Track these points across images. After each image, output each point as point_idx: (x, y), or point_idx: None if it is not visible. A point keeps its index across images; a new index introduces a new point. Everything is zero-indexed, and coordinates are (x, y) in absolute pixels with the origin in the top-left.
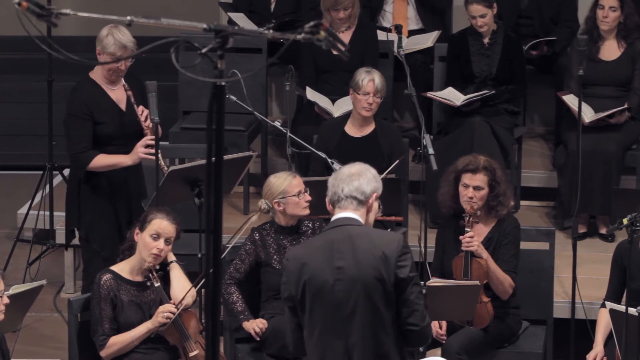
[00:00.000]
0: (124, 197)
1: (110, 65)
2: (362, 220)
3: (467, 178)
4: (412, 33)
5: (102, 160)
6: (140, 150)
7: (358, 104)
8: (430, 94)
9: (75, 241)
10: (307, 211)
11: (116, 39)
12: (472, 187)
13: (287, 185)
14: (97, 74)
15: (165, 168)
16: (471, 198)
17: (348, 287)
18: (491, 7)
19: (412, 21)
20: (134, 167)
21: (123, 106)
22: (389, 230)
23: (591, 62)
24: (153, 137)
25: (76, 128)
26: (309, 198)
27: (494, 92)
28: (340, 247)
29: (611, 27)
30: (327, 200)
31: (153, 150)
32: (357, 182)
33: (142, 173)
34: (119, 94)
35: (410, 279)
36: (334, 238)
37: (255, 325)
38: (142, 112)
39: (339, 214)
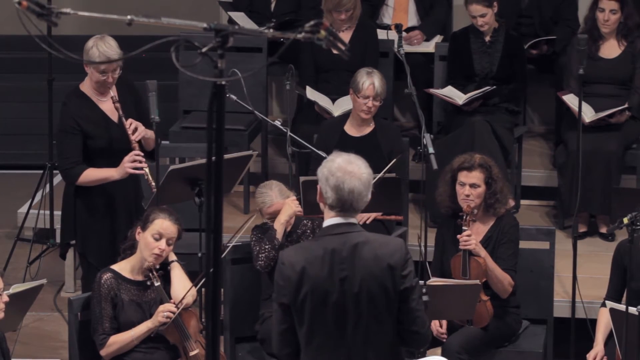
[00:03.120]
0: (121, 211)
1: (97, 78)
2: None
3: (463, 176)
4: (410, 30)
5: (90, 175)
6: (128, 165)
7: (357, 106)
8: (432, 91)
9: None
10: (288, 228)
11: (101, 51)
12: (469, 185)
13: (261, 208)
14: (86, 86)
15: (153, 184)
16: (468, 196)
17: (352, 299)
18: (491, 6)
19: (412, 16)
20: (132, 180)
21: (115, 118)
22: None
23: (591, 60)
24: (140, 152)
25: (66, 143)
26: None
27: (494, 87)
28: (343, 257)
29: (612, 29)
30: (320, 190)
31: (140, 165)
32: (365, 194)
33: (140, 185)
34: (109, 106)
35: (413, 287)
36: (335, 247)
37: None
38: (130, 124)
39: (338, 219)
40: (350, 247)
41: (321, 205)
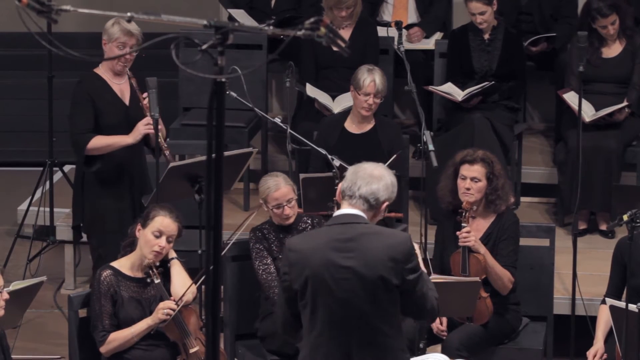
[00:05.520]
0: (128, 194)
1: (116, 53)
2: (367, 219)
3: (464, 169)
4: (410, 27)
5: (101, 141)
6: (142, 128)
7: (358, 103)
8: (431, 88)
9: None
10: (289, 221)
11: (122, 26)
12: (470, 179)
13: (266, 196)
14: (101, 70)
15: (165, 145)
16: (468, 189)
17: (355, 287)
18: (490, 4)
19: (412, 13)
20: (139, 163)
21: (126, 100)
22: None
23: (592, 59)
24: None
25: (78, 113)
26: (288, 212)
27: (493, 82)
28: (348, 246)
29: (615, 35)
30: (340, 187)
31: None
32: (375, 185)
33: (147, 169)
34: (123, 88)
35: (417, 279)
36: (341, 236)
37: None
38: (145, 97)
39: (347, 210)
40: (357, 237)
41: (338, 198)
